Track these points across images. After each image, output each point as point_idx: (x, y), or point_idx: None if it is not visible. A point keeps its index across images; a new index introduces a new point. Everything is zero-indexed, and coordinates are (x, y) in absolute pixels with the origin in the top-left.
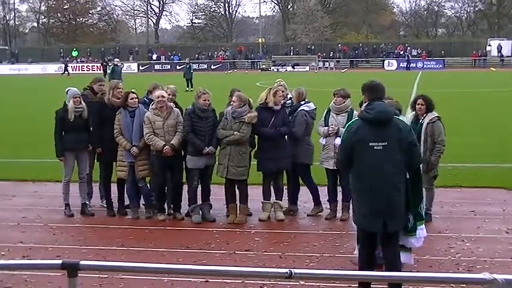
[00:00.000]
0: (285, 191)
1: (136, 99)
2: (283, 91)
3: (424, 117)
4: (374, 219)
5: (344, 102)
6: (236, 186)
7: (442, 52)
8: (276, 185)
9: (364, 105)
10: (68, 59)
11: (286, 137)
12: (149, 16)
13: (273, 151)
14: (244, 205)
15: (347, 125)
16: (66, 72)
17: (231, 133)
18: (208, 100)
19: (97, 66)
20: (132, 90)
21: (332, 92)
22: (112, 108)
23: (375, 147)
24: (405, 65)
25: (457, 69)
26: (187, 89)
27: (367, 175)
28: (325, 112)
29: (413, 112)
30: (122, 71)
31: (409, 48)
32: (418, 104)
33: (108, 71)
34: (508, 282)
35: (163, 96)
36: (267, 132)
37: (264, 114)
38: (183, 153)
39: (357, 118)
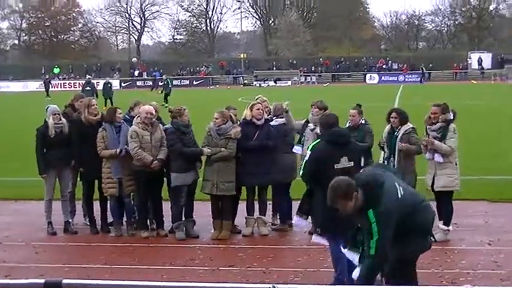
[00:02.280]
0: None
1: (121, 115)
2: (267, 106)
3: (399, 129)
4: None
5: (322, 113)
6: (220, 202)
7: (430, 65)
8: (260, 200)
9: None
10: (47, 76)
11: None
12: (131, 32)
13: (255, 166)
14: (228, 221)
15: None
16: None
17: (219, 150)
18: (188, 115)
19: (79, 83)
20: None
21: (310, 104)
22: (91, 126)
23: None
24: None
25: (438, 82)
26: (163, 104)
27: None
28: (303, 122)
29: (389, 124)
30: (97, 87)
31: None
32: (392, 117)
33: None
34: None
35: (151, 114)
36: (252, 145)
37: (248, 129)
38: (165, 170)
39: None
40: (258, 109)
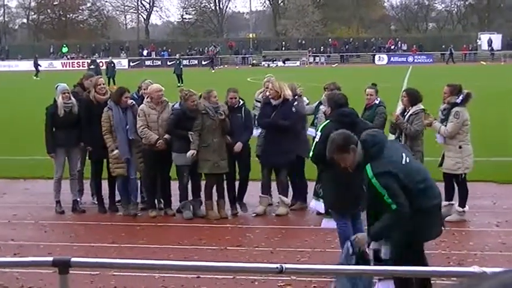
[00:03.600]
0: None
1: (129, 97)
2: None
3: (409, 110)
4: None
5: None
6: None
7: (452, 46)
8: (278, 180)
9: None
10: (37, 55)
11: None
12: (140, 12)
13: (271, 145)
14: (224, 200)
15: None
16: (37, 72)
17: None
18: (196, 101)
19: (87, 62)
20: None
21: (323, 86)
22: (99, 105)
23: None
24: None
25: (447, 63)
26: (179, 84)
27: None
28: (316, 104)
29: (402, 105)
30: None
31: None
32: (403, 97)
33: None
34: None
35: (161, 90)
36: (264, 122)
37: (266, 108)
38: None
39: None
40: (267, 88)
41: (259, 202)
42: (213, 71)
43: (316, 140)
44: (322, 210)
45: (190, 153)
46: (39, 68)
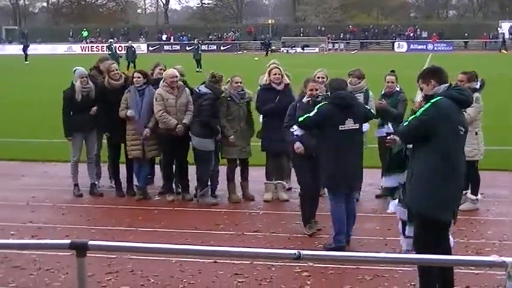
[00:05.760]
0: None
1: (140, 79)
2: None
3: None
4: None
5: (359, 82)
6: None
7: (466, 34)
8: (278, 166)
9: (444, 86)
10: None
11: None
12: None
13: (277, 132)
14: (247, 182)
15: (432, 105)
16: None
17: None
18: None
19: (106, 46)
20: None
21: (347, 73)
22: (113, 90)
23: (460, 132)
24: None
25: (467, 51)
26: (197, 69)
27: (452, 159)
28: None
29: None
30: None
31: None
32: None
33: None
34: None
35: (176, 76)
36: (270, 107)
37: (269, 94)
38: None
39: (440, 98)
40: (275, 74)
41: (265, 189)
42: (266, 56)
43: (310, 115)
44: (405, 217)
45: (232, 138)
46: (28, 52)
